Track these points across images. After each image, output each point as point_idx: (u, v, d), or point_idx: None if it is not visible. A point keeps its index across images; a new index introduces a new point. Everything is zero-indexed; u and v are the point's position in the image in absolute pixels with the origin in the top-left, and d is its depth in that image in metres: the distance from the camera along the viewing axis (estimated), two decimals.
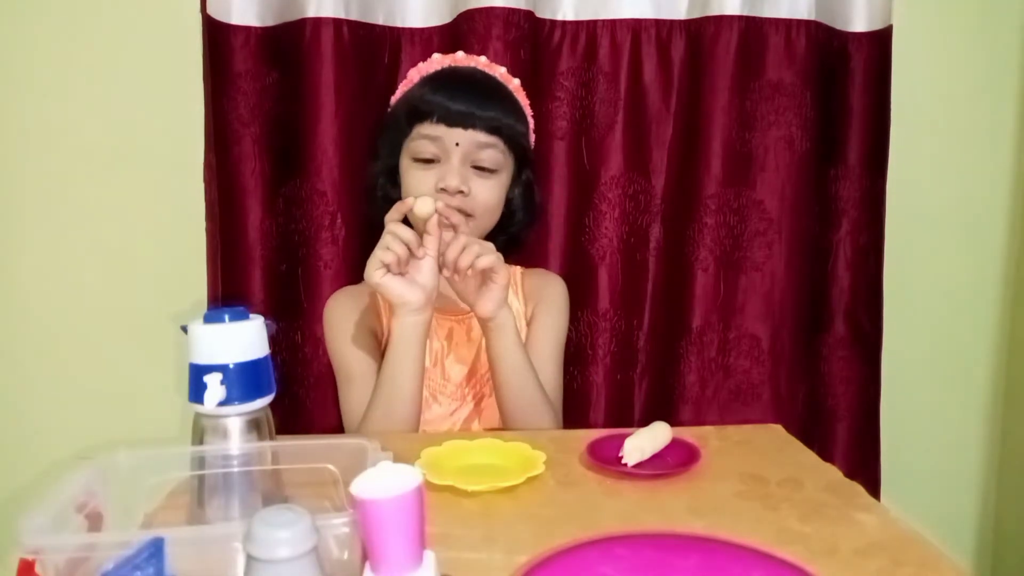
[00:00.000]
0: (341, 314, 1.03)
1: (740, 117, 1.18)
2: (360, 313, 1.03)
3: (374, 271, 0.87)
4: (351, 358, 1.00)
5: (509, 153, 0.99)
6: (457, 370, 1.03)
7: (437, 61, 1.03)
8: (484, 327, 0.94)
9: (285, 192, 1.16)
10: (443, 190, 0.94)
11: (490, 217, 1.00)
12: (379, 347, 1.02)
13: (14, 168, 1.25)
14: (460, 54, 1.04)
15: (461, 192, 0.94)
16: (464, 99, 0.94)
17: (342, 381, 1.02)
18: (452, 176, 0.93)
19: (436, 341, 1.03)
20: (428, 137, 0.95)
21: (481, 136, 0.95)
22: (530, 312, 1.07)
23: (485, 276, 0.90)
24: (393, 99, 1.06)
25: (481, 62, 1.04)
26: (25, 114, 1.24)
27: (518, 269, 1.11)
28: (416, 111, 0.95)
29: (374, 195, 1.04)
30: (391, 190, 1.02)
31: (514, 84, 1.05)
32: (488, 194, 0.97)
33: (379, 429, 0.91)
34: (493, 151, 0.96)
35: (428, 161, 0.96)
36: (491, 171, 0.97)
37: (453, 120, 0.93)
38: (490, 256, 0.88)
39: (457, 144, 0.94)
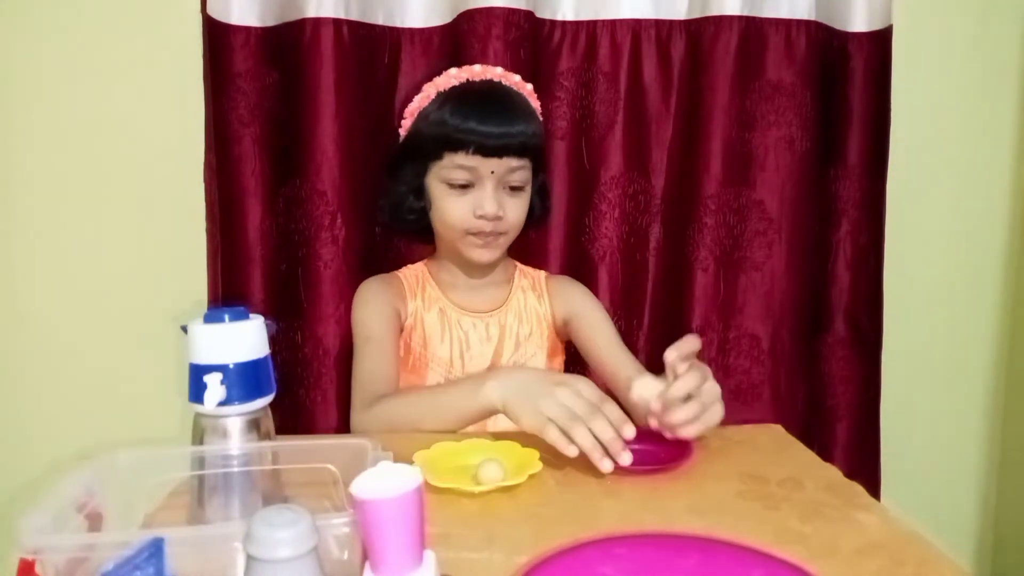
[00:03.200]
0: (370, 291, 1.08)
1: (740, 117, 1.18)
2: (386, 292, 1.08)
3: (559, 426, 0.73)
4: (372, 321, 1.05)
5: (531, 164, 1.03)
6: (475, 365, 1.06)
7: (454, 76, 1.04)
8: None
9: (285, 192, 1.16)
10: (481, 216, 0.99)
11: (518, 230, 1.06)
12: (399, 322, 1.06)
13: (14, 168, 1.24)
14: (477, 67, 1.05)
15: (498, 217, 0.99)
16: (495, 122, 0.97)
17: (360, 343, 1.05)
18: (489, 203, 0.98)
19: (459, 333, 1.07)
20: (463, 167, 0.98)
21: (513, 161, 0.99)
22: (560, 317, 1.11)
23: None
24: (408, 112, 1.07)
25: (497, 73, 1.05)
26: (25, 114, 1.24)
27: (542, 274, 1.16)
28: (449, 139, 0.98)
29: (401, 214, 1.07)
30: (416, 204, 1.06)
31: (527, 89, 1.07)
32: (519, 212, 1.03)
33: (377, 428, 0.91)
34: (523, 171, 1.01)
35: (462, 187, 1.00)
36: (521, 189, 1.03)
37: (488, 151, 0.97)
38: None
39: (492, 172, 0.99)
